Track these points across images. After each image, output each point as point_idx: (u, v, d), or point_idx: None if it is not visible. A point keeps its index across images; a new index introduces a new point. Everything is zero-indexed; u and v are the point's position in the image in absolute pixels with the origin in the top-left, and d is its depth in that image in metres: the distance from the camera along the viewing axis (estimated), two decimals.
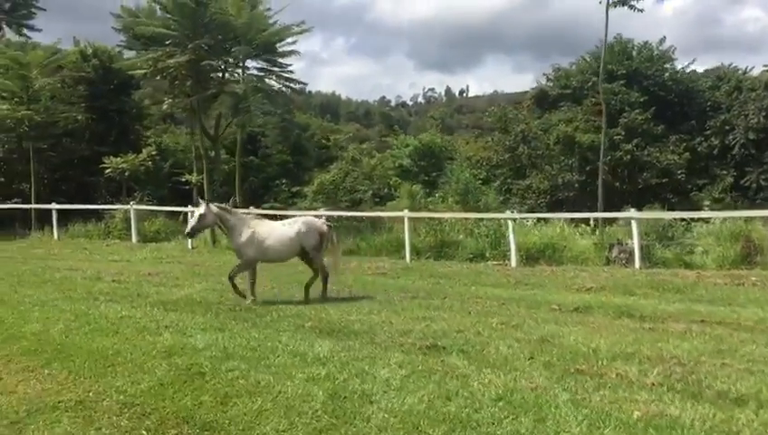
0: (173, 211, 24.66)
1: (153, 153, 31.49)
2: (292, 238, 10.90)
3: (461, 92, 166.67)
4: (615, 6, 21.91)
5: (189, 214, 17.70)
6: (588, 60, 37.36)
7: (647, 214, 18.15)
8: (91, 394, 5.87)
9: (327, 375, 6.15)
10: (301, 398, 5.56)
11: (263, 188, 43.98)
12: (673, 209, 25.46)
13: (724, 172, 33.83)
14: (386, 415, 5.19)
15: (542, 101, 38.11)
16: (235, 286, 10.83)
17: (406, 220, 19.31)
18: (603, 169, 30.28)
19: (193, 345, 7.45)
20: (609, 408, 5.22)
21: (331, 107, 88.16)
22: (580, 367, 6.40)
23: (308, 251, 11.02)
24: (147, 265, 16.64)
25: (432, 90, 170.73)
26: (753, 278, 12.93)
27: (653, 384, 5.85)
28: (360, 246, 21.50)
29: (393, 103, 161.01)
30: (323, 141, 59.54)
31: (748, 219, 16.90)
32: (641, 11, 22.03)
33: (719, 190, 32.88)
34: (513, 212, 19.10)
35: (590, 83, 35.57)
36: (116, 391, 5.92)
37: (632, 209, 17.15)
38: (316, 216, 12.42)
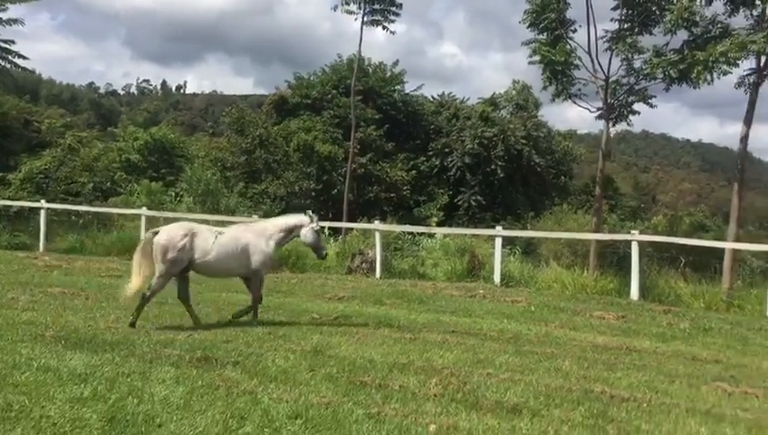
0: None
1: None
2: None
3: (178, 88, 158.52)
4: (372, 25, 23.00)
5: None
6: (328, 72, 38.36)
7: (393, 226, 19.10)
8: None
9: (95, 395, 5.36)
10: (71, 423, 4.73)
11: None
12: (399, 223, 27.00)
13: (442, 191, 36.94)
14: None
15: (281, 107, 38.29)
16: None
17: (143, 219, 18.16)
18: (341, 180, 31.43)
19: None
20: (405, 421, 5.21)
21: (29, 86, 77.71)
22: (363, 379, 6.37)
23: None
24: None
25: (147, 81, 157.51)
26: (482, 291, 14.18)
27: (435, 395, 6.00)
28: (84, 244, 19.72)
29: (102, 91, 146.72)
30: (36, 124, 53.58)
31: (472, 236, 18.58)
32: (393, 33, 23.39)
33: (437, 207, 35.77)
34: (258, 217, 18.81)
35: (329, 95, 36.57)
36: None
37: (377, 221, 17.88)
38: None
